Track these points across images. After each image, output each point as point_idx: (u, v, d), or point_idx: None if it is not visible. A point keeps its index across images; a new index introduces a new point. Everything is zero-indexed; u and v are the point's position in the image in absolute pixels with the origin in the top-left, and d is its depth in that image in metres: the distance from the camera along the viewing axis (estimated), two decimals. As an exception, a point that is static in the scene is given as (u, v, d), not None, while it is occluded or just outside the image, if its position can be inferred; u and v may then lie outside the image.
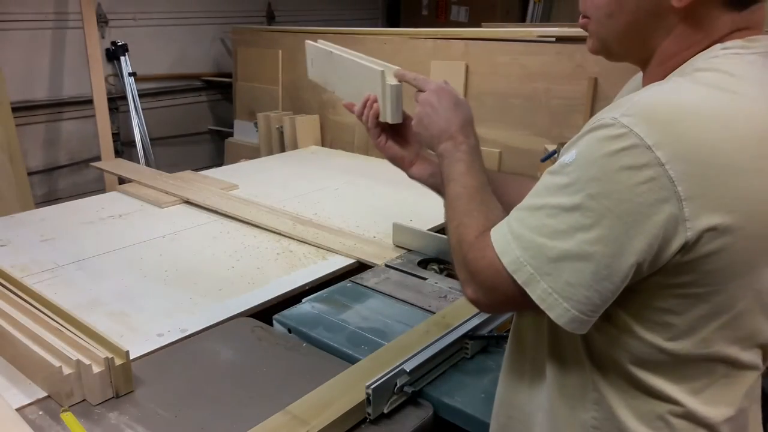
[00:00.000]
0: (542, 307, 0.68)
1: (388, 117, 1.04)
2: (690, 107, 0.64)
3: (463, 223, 0.80)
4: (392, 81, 1.03)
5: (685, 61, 0.71)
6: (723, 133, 0.63)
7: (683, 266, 0.65)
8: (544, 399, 0.83)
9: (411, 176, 1.10)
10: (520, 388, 0.88)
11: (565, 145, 0.72)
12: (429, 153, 1.20)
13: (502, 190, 0.95)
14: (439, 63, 3.14)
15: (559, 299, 0.67)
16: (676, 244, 0.63)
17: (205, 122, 4.89)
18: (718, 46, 0.70)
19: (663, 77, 0.72)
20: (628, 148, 0.62)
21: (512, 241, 0.70)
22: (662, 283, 0.67)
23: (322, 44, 1.16)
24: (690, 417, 0.73)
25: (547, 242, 0.67)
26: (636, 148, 0.62)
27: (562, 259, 0.66)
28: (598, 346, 0.75)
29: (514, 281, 0.69)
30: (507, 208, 0.87)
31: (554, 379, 0.80)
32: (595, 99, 2.68)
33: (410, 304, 1.55)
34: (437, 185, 1.12)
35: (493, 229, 0.74)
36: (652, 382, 0.72)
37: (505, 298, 0.72)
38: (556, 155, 2.28)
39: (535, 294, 0.68)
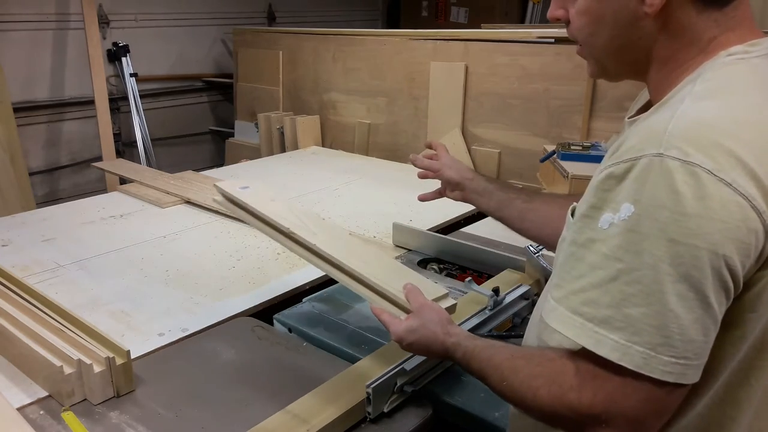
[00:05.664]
0: (670, 379, 0.62)
1: None
2: (725, 121, 0.63)
3: (538, 395, 0.72)
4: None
5: (685, 63, 0.71)
6: (763, 137, 0.63)
7: (756, 277, 0.64)
8: None
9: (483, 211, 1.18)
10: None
11: (594, 203, 0.66)
12: (475, 184, 1.25)
13: (528, 207, 0.93)
14: (439, 64, 3.14)
15: (687, 363, 0.62)
16: (766, 254, 0.62)
17: (206, 123, 4.90)
18: (723, 53, 0.69)
19: (670, 83, 0.71)
20: (693, 180, 0.59)
21: (605, 332, 0.63)
22: (737, 308, 0.65)
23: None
24: None
25: (645, 311, 0.61)
26: (700, 177, 0.59)
27: (670, 322, 0.61)
28: None
29: (635, 375, 0.62)
30: (531, 226, 0.85)
31: None
32: (594, 99, 2.69)
33: (410, 303, 1.55)
34: (504, 217, 1.20)
35: (566, 351, 0.69)
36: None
37: (646, 407, 0.64)
38: (555, 155, 2.28)
39: (656, 372, 0.62)
